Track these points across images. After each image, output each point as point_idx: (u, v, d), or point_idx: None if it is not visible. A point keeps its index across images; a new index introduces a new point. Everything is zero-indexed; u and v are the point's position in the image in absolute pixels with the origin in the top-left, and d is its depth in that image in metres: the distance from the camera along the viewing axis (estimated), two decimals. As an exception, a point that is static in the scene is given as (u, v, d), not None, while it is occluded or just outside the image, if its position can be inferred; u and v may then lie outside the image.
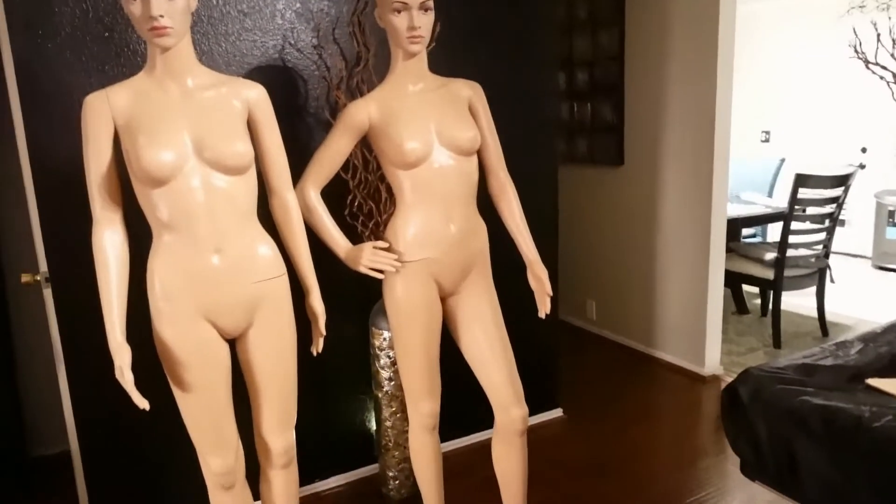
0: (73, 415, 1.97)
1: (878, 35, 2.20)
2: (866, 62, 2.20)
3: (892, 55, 2.16)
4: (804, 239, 3.68)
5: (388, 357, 2.22)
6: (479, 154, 1.85)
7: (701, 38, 3.11)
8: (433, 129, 1.72)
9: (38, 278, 1.91)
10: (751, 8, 5.71)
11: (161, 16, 1.37)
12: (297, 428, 1.73)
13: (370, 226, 2.18)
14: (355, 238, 1.98)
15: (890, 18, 2.44)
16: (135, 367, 1.45)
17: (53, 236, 1.87)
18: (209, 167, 1.46)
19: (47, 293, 1.91)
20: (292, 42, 2.11)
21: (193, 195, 1.45)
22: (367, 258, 1.74)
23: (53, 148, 1.82)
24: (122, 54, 1.87)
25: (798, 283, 3.75)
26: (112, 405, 1.75)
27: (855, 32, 2.41)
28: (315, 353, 1.76)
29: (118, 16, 1.84)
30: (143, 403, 1.46)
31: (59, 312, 1.91)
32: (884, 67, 2.18)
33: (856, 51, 2.25)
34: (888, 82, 2.15)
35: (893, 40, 2.18)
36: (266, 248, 1.59)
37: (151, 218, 1.49)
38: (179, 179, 1.43)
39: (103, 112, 1.43)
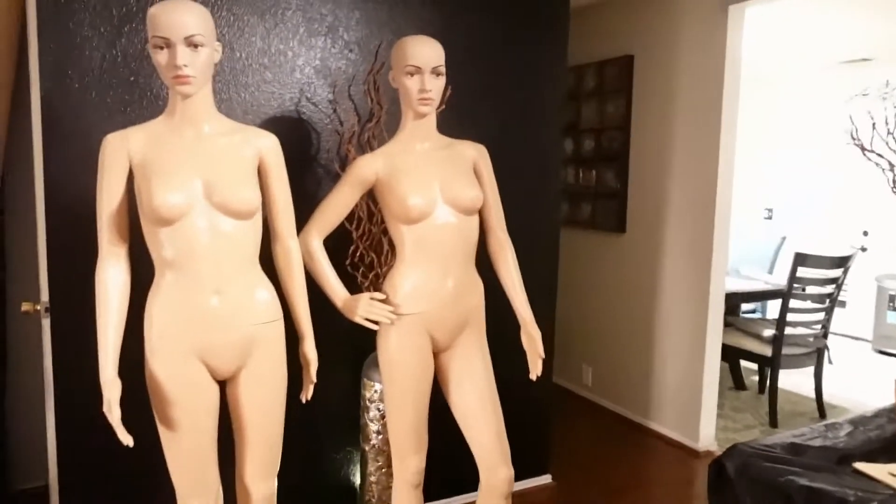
0: (56, 448, 1.96)
1: (874, 124, 2.27)
2: (862, 149, 2.26)
3: (887, 144, 2.22)
4: (803, 318, 3.68)
5: (378, 410, 2.21)
6: (481, 213, 1.89)
7: (705, 113, 3.21)
8: (437, 187, 1.77)
9: (38, 307, 1.93)
10: (758, 88, 5.88)
11: (185, 65, 1.44)
12: (279, 477, 1.71)
13: (370, 277, 2.21)
14: (354, 288, 2.01)
15: (886, 109, 2.53)
16: (123, 404, 1.46)
17: (58, 268, 1.90)
18: (216, 211, 1.50)
19: (45, 323, 1.93)
20: (309, 96, 2.20)
21: (199, 236, 1.49)
22: (364, 308, 1.76)
23: (68, 183, 1.87)
24: (145, 98, 1.95)
25: (796, 362, 3.73)
26: (96, 440, 1.75)
27: (851, 120, 2.49)
28: (304, 401, 1.76)
29: (144, 62, 1.92)
30: (127, 440, 1.46)
31: (54, 343, 1.93)
32: (879, 155, 2.25)
33: (852, 137, 2.32)
34: (883, 169, 2.21)
35: (889, 130, 2.25)
36: (265, 292, 1.62)
37: (156, 256, 1.53)
38: (186, 220, 1.48)
39: (121, 151, 1.49)
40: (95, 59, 1.88)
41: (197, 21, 1.46)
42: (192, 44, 1.45)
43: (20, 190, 2.38)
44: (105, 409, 1.45)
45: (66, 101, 1.86)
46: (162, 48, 1.45)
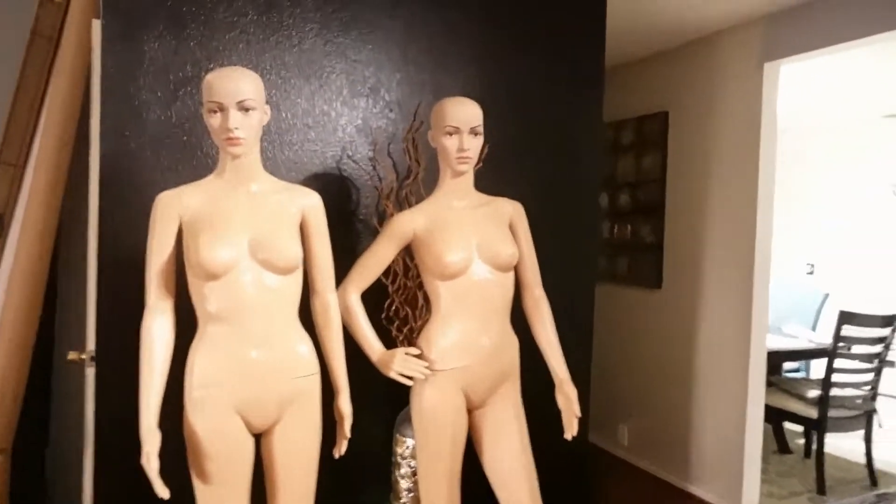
0: (93, 498, 1.98)
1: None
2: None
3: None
4: (850, 378, 3.55)
5: (410, 467, 2.18)
6: (516, 270, 1.90)
7: (742, 168, 3.20)
8: (474, 244, 1.79)
9: (84, 357, 1.99)
10: (799, 141, 5.82)
11: (236, 128, 1.51)
12: (311, 532, 1.70)
13: (405, 331, 2.22)
14: (389, 342, 2.02)
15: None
16: (161, 455, 1.48)
17: (105, 319, 1.96)
18: (261, 266, 1.55)
19: (90, 372, 1.98)
20: (350, 154, 2.27)
21: (243, 291, 1.53)
22: (399, 363, 1.77)
23: (120, 237, 1.95)
24: (195, 157, 2.04)
25: (844, 425, 3.57)
26: (134, 491, 1.76)
27: None
28: (337, 456, 1.75)
29: (196, 123, 2.02)
30: (163, 492, 1.48)
31: (97, 392, 1.97)
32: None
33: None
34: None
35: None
36: (304, 346, 1.64)
37: (200, 309, 1.57)
38: (232, 275, 1.52)
39: (173, 209, 1.56)
40: (151, 121, 1.98)
41: (248, 86, 1.54)
42: (243, 108, 1.52)
43: (74, 241, 2.48)
44: (143, 460, 1.47)
45: (123, 160, 1.96)
46: (216, 112, 1.53)
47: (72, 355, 2.00)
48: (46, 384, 2.66)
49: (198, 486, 1.57)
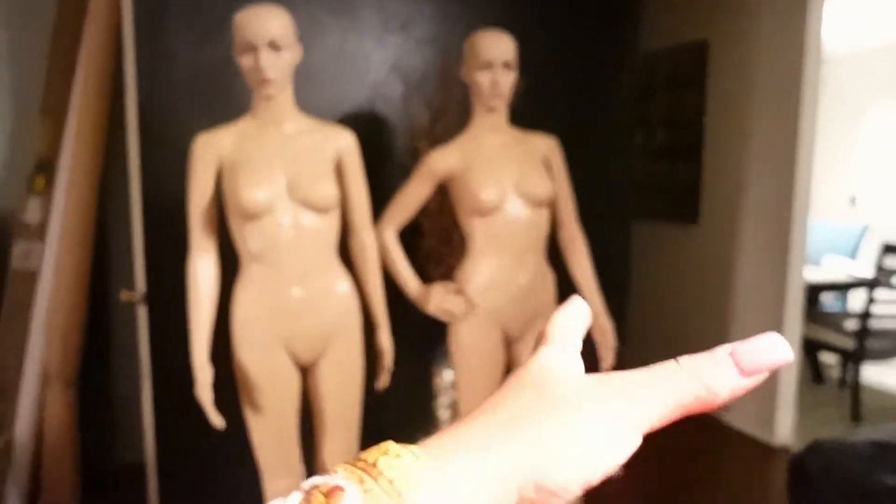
0: (153, 429, 2.10)
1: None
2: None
3: None
4: (889, 310, 3.50)
5: (450, 398, 2.26)
6: (552, 207, 1.90)
7: (783, 100, 3.09)
8: (508, 180, 1.79)
9: (135, 297, 2.07)
10: (842, 70, 5.56)
11: (268, 68, 1.52)
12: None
13: (441, 269, 2.25)
14: (426, 280, 2.05)
15: None
16: (216, 389, 1.56)
17: (153, 260, 2.03)
18: (299, 206, 1.58)
19: (142, 311, 2.07)
20: (382, 92, 2.25)
21: (282, 230, 1.57)
22: (437, 299, 1.80)
23: (161, 178, 1.99)
24: (230, 98, 2.05)
25: (881, 355, 3.55)
26: (190, 422, 1.87)
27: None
28: (379, 388, 1.82)
29: (229, 64, 2.02)
30: (218, 421, 1.57)
31: (150, 330, 2.06)
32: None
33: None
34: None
35: None
36: (343, 283, 1.69)
37: (242, 249, 1.62)
38: (271, 215, 1.56)
39: (211, 150, 1.59)
40: (185, 62, 1.99)
41: (279, 25, 1.53)
42: (274, 47, 1.52)
43: (121, 182, 2.53)
44: (197, 392, 1.56)
45: (160, 100, 1.98)
46: (247, 52, 1.53)
47: (124, 295, 2.09)
48: (106, 321, 2.77)
49: (249, 415, 1.66)
